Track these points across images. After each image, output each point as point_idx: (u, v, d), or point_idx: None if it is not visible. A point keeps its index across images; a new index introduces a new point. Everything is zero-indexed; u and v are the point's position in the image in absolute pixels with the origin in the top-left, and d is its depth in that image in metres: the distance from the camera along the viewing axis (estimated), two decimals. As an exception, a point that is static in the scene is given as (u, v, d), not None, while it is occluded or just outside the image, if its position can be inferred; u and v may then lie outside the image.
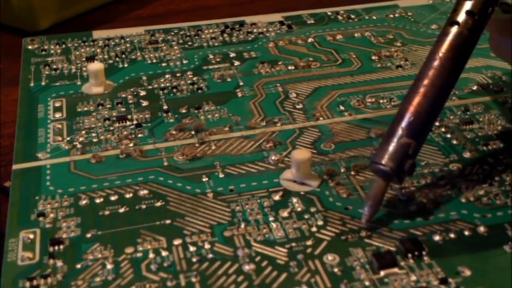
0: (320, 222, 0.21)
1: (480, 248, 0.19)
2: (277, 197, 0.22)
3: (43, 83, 0.29)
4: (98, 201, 0.22)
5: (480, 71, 0.29)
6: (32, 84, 0.29)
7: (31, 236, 0.20)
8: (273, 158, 0.24)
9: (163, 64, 0.30)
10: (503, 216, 0.21)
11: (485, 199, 0.21)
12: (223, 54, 0.31)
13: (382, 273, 0.19)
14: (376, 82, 0.28)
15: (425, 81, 0.21)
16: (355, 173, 0.23)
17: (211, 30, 0.33)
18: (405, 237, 0.20)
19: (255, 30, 0.33)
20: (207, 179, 0.23)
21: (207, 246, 0.20)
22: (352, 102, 0.27)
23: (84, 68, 0.30)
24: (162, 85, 0.28)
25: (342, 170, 0.23)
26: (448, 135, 0.25)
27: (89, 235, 0.20)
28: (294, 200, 0.22)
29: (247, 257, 0.19)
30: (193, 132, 0.25)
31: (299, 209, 0.21)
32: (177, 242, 0.20)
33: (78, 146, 0.25)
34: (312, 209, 0.21)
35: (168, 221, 0.21)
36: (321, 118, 0.26)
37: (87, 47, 0.32)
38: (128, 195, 0.22)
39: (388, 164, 0.20)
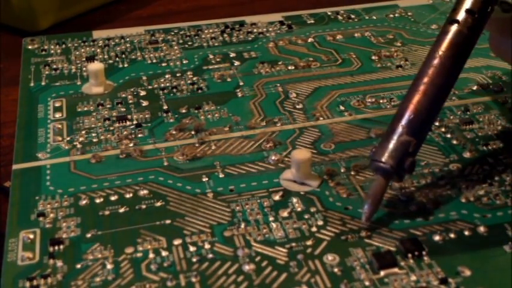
0: (320, 222, 0.21)
1: (480, 248, 0.19)
2: (277, 197, 0.22)
3: (43, 83, 0.29)
4: (98, 201, 0.22)
5: (480, 71, 0.29)
6: (32, 84, 0.29)
7: (31, 236, 0.20)
8: (273, 158, 0.24)
9: (163, 64, 0.30)
10: (503, 216, 0.21)
11: (485, 199, 0.21)
12: (223, 54, 0.31)
13: (382, 273, 0.19)
14: (376, 82, 0.28)
15: (425, 80, 0.21)
16: (355, 173, 0.23)
17: (211, 30, 0.33)
18: (405, 237, 0.20)
19: (255, 30, 0.33)
20: (207, 179, 0.23)
21: (207, 246, 0.20)
22: (352, 102, 0.27)
23: (84, 68, 0.30)
24: (162, 85, 0.28)
25: (342, 170, 0.23)
26: (448, 135, 0.25)
27: (89, 235, 0.20)
28: (294, 200, 0.22)
29: (247, 257, 0.19)
30: (193, 132, 0.25)
31: (299, 209, 0.21)
32: (177, 242, 0.20)
33: (78, 146, 0.25)
34: (312, 209, 0.21)
35: (168, 221, 0.21)
36: (321, 118, 0.26)
37: (87, 47, 0.32)
38: (127, 195, 0.22)
39: (388, 161, 0.20)
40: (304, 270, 0.19)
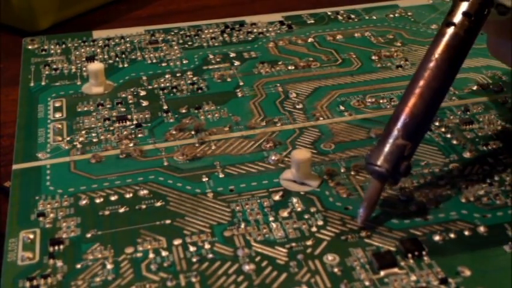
0: (320, 222, 0.21)
1: (480, 248, 0.19)
2: (277, 197, 0.22)
3: (43, 83, 0.29)
4: (98, 201, 0.22)
5: (480, 71, 0.29)
6: (32, 84, 0.29)
7: (31, 236, 0.20)
8: (273, 158, 0.24)
9: (163, 64, 0.30)
10: (503, 216, 0.21)
11: (485, 199, 0.21)
12: (223, 54, 0.31)
13: (382, 273, 0.19)
14: (376, 82, 0.28)
15: (421, 83, 0.21)
16: (355, 173, 0.23)
17: (211, 30, 0.33)
18: (405, 237, 0.20)
19: (255, 30, 0.33)
20: (207, 179, 0.23)
21: (207, 246, 0.20)
22: (352, 102, 0.27)
23: (84, 68, 0.30)
24: (162, 85, 0.28)
25: (342, 170, 0.23)
26: (448, 135, 0.25)
27: (89, 235, 0.20)
28: (294, 200, 0.22)
29: (247, 257, 0.19)
30: (193, 132, 0.25)
31: (299, 209, 0.21)
32: (177, 242, 0.20)
33: (78, 146, 0.25)
34: (312, 209, 0.21)
35: (168, 221, 0.21)
36: (321, 118, 0.26)
37: (87, 47, 0.32)
38: (127, 195, 0.22)
39: (383, 165, 0.20)
40: (304, 270, 0.19)
